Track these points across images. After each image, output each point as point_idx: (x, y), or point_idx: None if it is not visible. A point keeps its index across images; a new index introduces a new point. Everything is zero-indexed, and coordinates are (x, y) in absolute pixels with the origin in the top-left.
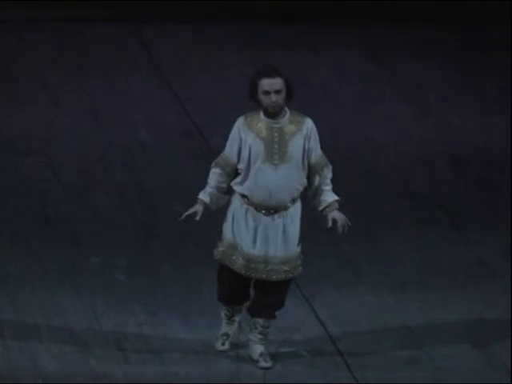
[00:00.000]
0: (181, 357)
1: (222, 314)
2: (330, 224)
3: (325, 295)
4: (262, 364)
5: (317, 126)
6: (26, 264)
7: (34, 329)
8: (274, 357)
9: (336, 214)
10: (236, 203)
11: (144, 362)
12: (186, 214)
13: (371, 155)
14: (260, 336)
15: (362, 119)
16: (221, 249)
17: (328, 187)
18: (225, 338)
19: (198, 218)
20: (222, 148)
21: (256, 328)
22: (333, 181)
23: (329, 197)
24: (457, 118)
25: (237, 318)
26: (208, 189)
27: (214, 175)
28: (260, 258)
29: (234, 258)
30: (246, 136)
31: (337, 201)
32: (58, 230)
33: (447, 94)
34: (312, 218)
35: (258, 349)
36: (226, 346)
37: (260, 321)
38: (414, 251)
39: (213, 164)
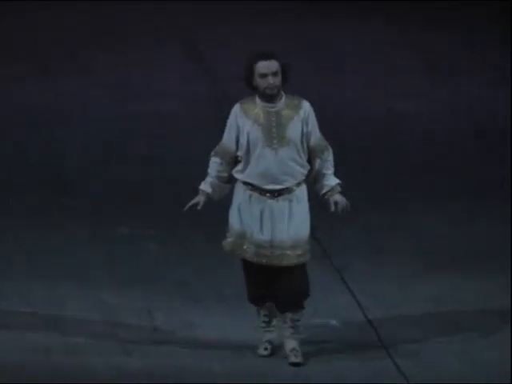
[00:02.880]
0: (211, 325)
1: (260, 323)
2: (332, 208)
3: (354, 266)
4: (292, 359)
5: (341, 99)
6: (54, 235)
7: (62, 300)
8: (305, 327)
9: (337, 197)
10: (239, 191)
11: (173, 330)
12: (189, 204)
13: (396, 126)
14: (291, 330)
15: (387, 91)
16: (230, 239)
17: (329, 171)
18: (267, 344)
19: (199, 207)
20: None
21: (286, 322)
22: (334, 164)
23: (331, 181)
24: (481, 90)
25: (275, 323)
26: (209, 179)
27: (214, 165)
28: (267, 243)
29: (244, 247)
30: (243, 122)
31: (339, 184)
32: (85, 200)
33: (472, 66)
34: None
35: (289, 344)
36: (269, 351)
37: (289, 314)
38: (439, 221)
39: (212, 153)
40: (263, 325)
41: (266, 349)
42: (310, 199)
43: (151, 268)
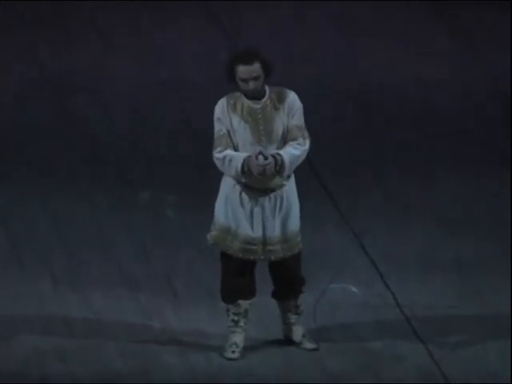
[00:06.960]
0: None
1: (229, 323)
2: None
3: (374, 232)
4: (307, 345)
5: (368, 67)
6: (76, 201)
7: (84, 265)
8: (324, 293)
9: (269, 157)
10: (228, 185)
11: (194, 297)
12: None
13: (422, 94)
14: (296, 316)
15: (414, 59)
16: (213, 233)
17: (290, 148)
18: (234, 347)
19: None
20: (274, 83)
21: (290, 310)
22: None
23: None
24: (507, 57)
25: (243, 325)
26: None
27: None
28: (258, 240)
29: (228, 242)
30: (231, 118)
31: (281, 156)
32: (108, 167)
33: (498, 34)
34: (359, 159)
35: (298, 330)
36: (237, 355)
37: (291, 302)
38: (464, 189)
39: (217, 150)
40: (231, 324)
41: (233, 352)
42: (328, 165)
43: (171, 234)
